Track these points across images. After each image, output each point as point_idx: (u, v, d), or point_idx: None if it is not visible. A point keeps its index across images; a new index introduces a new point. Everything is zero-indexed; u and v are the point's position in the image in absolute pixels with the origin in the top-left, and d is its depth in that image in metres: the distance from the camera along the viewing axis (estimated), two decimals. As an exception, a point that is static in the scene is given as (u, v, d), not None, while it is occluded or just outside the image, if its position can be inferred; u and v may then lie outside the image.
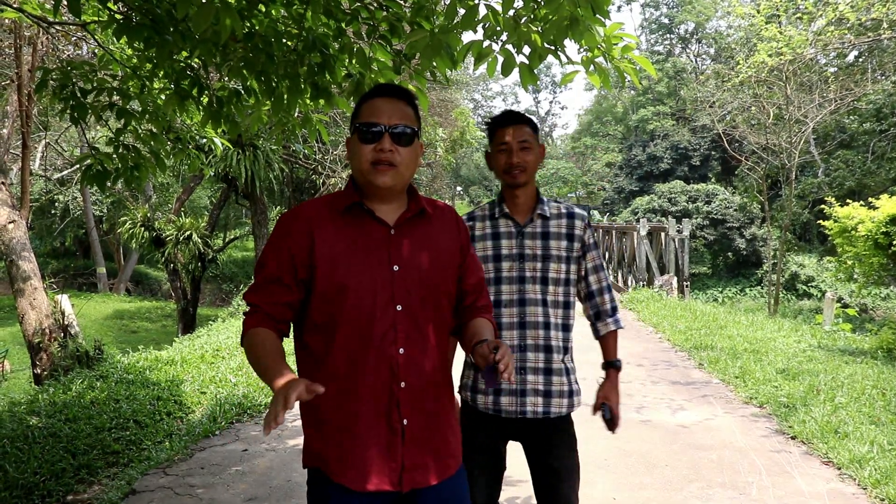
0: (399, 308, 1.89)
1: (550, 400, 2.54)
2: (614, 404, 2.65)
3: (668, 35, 50.25)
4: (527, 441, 2.63)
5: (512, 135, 2.54)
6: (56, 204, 25.69)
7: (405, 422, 1.89)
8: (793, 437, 5.30)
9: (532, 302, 2.56)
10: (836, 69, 26.63)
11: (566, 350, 2.62)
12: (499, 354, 1.75)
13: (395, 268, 1.90)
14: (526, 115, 2.62)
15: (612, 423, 2.66)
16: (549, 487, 2.59)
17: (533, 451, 2.62)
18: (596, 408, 2.67)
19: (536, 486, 2.63)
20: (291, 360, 1.99)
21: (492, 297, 2.57)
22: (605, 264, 2.72)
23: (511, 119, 2.58)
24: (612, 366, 2.70)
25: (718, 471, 4.67)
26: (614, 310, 2.70)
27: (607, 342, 2.72)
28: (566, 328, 2.63)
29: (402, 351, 1.89)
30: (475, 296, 2.11)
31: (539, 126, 2.65)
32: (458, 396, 2.55)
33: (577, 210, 2.66)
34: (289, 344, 1.89)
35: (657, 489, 4.40)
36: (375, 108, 1.91)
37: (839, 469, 4.63)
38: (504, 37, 2.86)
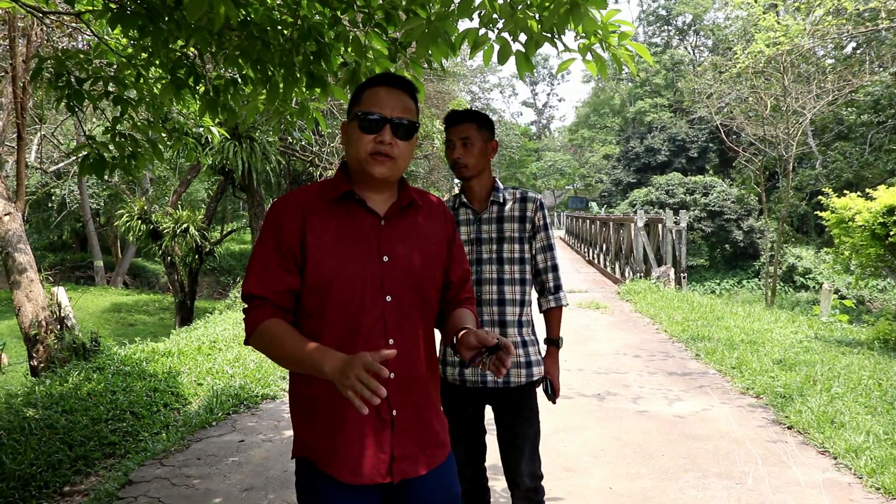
0: (388, 299, 1.87)
1: (509, 370, 2.78)
2: (554, 378, 2.89)
3: (665, 27, 50.23)
4: (495, 413, 2.89)
5: (455, 133, 2.78)
6: (53, 197, 25.61)
7: (394, 413, 1.88)
8: (789, 428, 5.31)
9: (487, 281, 2.81)
10: (833, 60, 26.63)
11: (522, 324, 2.84)
12: (500, 343, 1.76)
13: (385, 258, 1.89)
14: (473, 112, 2.83)
15: (552, 396, 2.90)
16: (509, 458, 2.85)
17: (498, 420, 2.88)
18: (538, 382, 2.88)
19: (501, 453, 2.89)
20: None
21: None
22: (555, 245, 2.93)
23: (455, 118, 2.81)
24: (552, 343, 2.94)
25: (714, 461, 4.68)
26: (557, 287, 2.90)
27: (550, 318, 2.94)
28: (523, 303, 2.84)
29: (391, 342, 1.87)
30: (459, 288, 2.11)
31: (492, 121, 2.90)
32: None
33: (530, 194, 2.88)
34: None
35: (653, 479, 4.41)
36: (378, 98, 1.88)
37: (835, 459, 4.64)
38: (500, 24, 2.84)
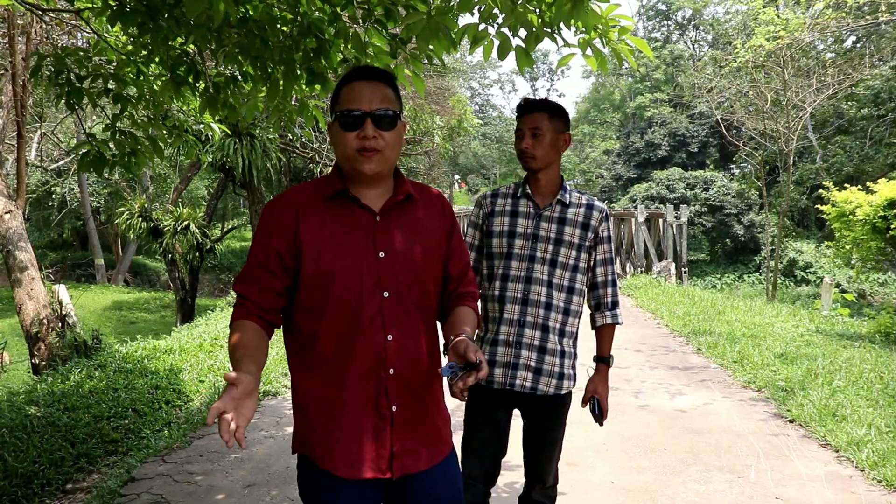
0: (386, 294, 1.87)
1: (539, 377, 2.65)
2: (603, 398, 2.77)
3: (665, 22, 50.07)
4: (524, 413, 2.77)
5: (525, 122, 2.67)
6: (53, 195, 25.59)
7: (394, 408, 1.88)
8: (791, 421, 5.32)
9: (537, 281, 2.65)
10: (833, 54, 26.59)
11: (565, 333, 2.69)
12: (480, 364, 1.74)
13: (381, 254, 1.88)
14: (547, 102, 2.69)
15: (600, 417, 2.78)
16: (534, 455, 2.78)
17: (528, 424, 2.78)
18: (585, 401, 2.79)
19: (524, 452, 2.81)
20: (280, 347, 1.99)
21: (501, 271, 2.70)
22: (614, 259, 2.79)
23: (526, 107, 2.70)
24: (602, 361, 2.79)
25: (717, 454, 4.69)
26: (614, 304, 2.78)
27: (602, 335, 2.80)
28: (568, 312, 2.70)
29: (390, 337, 1.87)
30: (460, 282, 2.09)
31: (566, 112, 2.79)
32: None
33: (597, 202, 2.74)
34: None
35: (655, 473, 4.42)
36: (355, 93, 1.87)
37: (837, 451, 4.65)
38: (500, 19, 2.83)
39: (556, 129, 2.65)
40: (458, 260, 2.08)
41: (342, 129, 1.86)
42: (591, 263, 2.73)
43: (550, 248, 2.66)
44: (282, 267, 1.87)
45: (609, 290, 2.76)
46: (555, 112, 2.66)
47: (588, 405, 2.78)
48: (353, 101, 1.86)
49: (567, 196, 2.69)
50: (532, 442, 2.78)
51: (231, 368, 1.66)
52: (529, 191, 2.71)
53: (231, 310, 1.87)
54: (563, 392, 2.70)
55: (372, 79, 1.90)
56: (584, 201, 2.72)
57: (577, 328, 2.77)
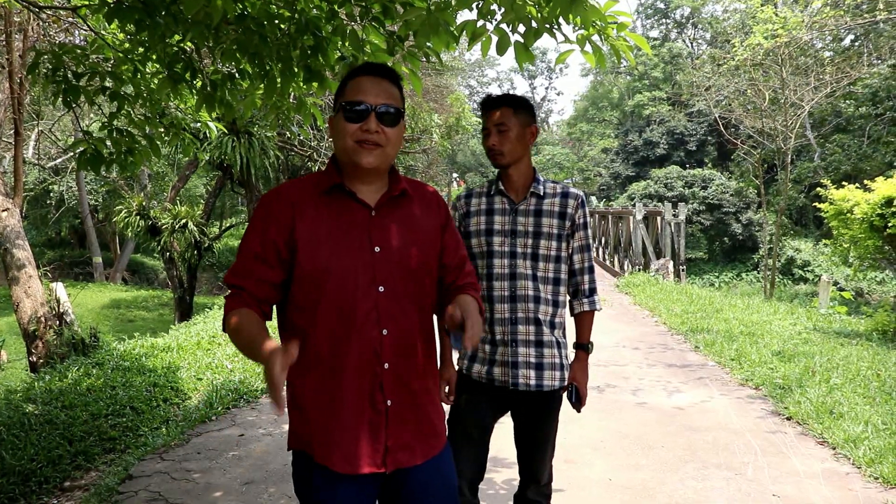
0: (381, 289, 1.87)
1: (543, 373, 2.63)
2: (581, 385, 2.73)
3: (663, 20, 50.07)
4: (516, 412, 2.75)
5: (489, 119, 2.64)
6: (51, 193, 25.55)
7: (389, 403, 1.88)
8: (788, 418, 5.33)
9: (522, 276, 2.63)
10: (831, 53, 26.60)
11: (555, 325, 2.69)
12: (468, 321, 1.78)
13: (376, 249, 1.88)
14: (509, 96, 2.66)
15: (577, 404, 2.75)
16: (528, 454, 2.77)
17: (521, 422, 2.76)
18: (563, 388, 2.74)
19: (518, 450, 2.80)
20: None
21: (484, 271, 2.68)
22: (592, 245, 2.77)
23: (489, 104, 2.67)
24: (581, 348, 2.77)
25: (714, 452, 4.69)
26: (592, 291, 2.76)
27: (581, 322, 2.78)
28: (556, 304, 2.70)
29: (385, 332, 1.87)
30: (457, 274, 2.10)
31: (530, 104, 2.74)
32: (455, 366, 2.69)
33: (571, 190, 2.71)
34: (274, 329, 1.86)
35: (653, 470, 4.42)
36: (361, 87, 1.88)
37: (834, 449, 4.65)
38: (499, 16, 2.83)
39: (522, 123, 2.63)
40: (453, 252, 2.09)
41: (346, 120, 1.87)
42: (570, 251, 2.72)
43: (530, 241, 2.64)
44: (279, 259, 1.87)
45: (587, 277, 2.74)
46: (519, 105, 2.64)
47: (566, 392, 2.76)
48: (359, 94, 1.87)
49: (541, 188, 2.67)
50: (526, 441, 2.77)
51: (236, 351, 1.68)
52: (503, 187, 2.70)
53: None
54: (565, 384, 2.70)
55: (378, 75, 1.91)
56: (558, 190, 2.69)
57: (565, 318, 2.76)
